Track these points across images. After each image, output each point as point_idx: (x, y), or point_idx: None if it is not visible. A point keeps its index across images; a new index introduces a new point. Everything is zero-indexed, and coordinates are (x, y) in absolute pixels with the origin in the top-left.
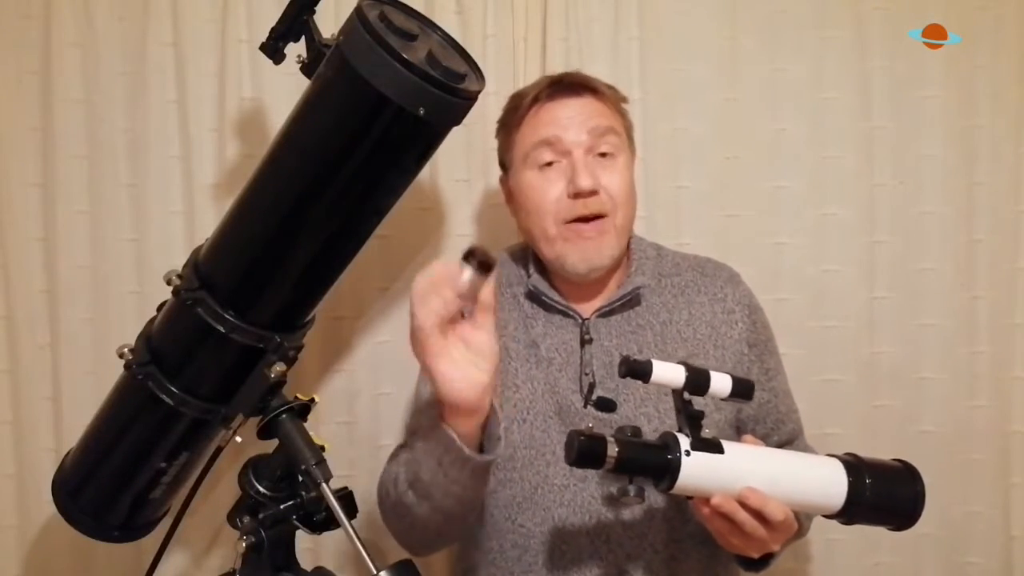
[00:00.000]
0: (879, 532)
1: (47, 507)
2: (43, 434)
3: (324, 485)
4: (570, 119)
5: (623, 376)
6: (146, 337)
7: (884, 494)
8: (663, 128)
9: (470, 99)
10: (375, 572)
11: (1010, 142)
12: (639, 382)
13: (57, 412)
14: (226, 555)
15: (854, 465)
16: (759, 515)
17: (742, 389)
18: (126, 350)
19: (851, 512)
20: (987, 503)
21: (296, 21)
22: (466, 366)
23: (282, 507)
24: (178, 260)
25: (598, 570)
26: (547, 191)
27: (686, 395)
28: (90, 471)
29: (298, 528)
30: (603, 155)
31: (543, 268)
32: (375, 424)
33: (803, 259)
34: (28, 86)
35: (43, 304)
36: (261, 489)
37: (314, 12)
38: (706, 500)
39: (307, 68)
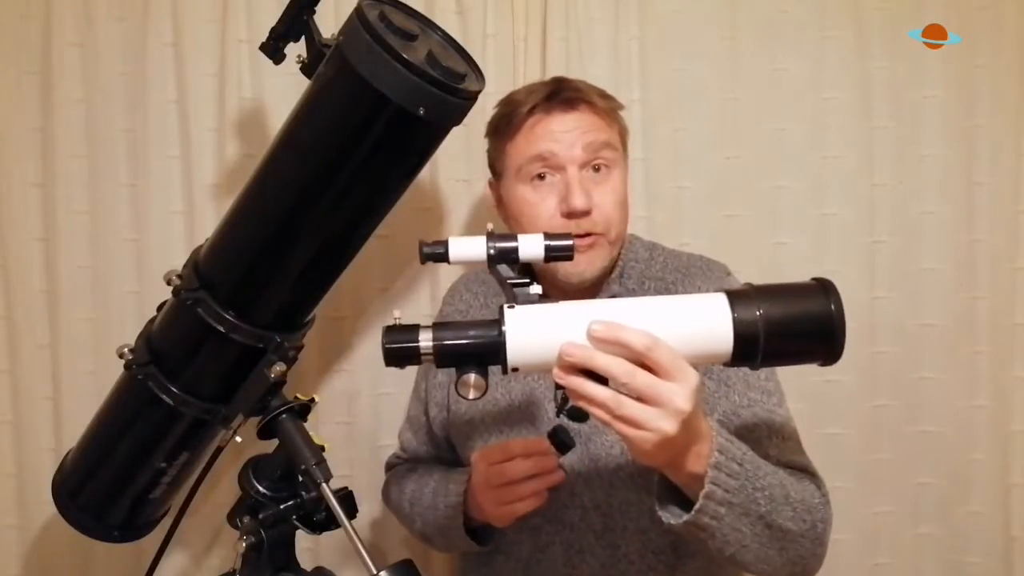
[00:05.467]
0: (878, 533)
1: (47, 507)
2: (43, 434)
3: (324, 485)
4: (565, 133)
5: (423, 262)
6: (146, 337)
7: (783, 322)
8: (663, 128)
9: (470, 99)
10: (375, 572)
11: (1010, 142)
12: None
13: (57, 412)
14: (226, 555)
15: (740, 293)
16: (625, 353)
17: (558, 249)
18: (126, 350)
19: (748, 351)
20: (987, 503)
21: (296, 21)
22: None
23: (282, 507)
24: (178, 260)
25: None
26: (540, 207)
27: (494, 257)
28: (90, 471)
29: (298, 528)
30: (597, 169)
31: (532, 275)
32: (375, 424)
33: (803, 259)
34: (28, 86)
35: (43, 304)
36: (261, 489)
37: (314, 12)
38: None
39: (307, 68)
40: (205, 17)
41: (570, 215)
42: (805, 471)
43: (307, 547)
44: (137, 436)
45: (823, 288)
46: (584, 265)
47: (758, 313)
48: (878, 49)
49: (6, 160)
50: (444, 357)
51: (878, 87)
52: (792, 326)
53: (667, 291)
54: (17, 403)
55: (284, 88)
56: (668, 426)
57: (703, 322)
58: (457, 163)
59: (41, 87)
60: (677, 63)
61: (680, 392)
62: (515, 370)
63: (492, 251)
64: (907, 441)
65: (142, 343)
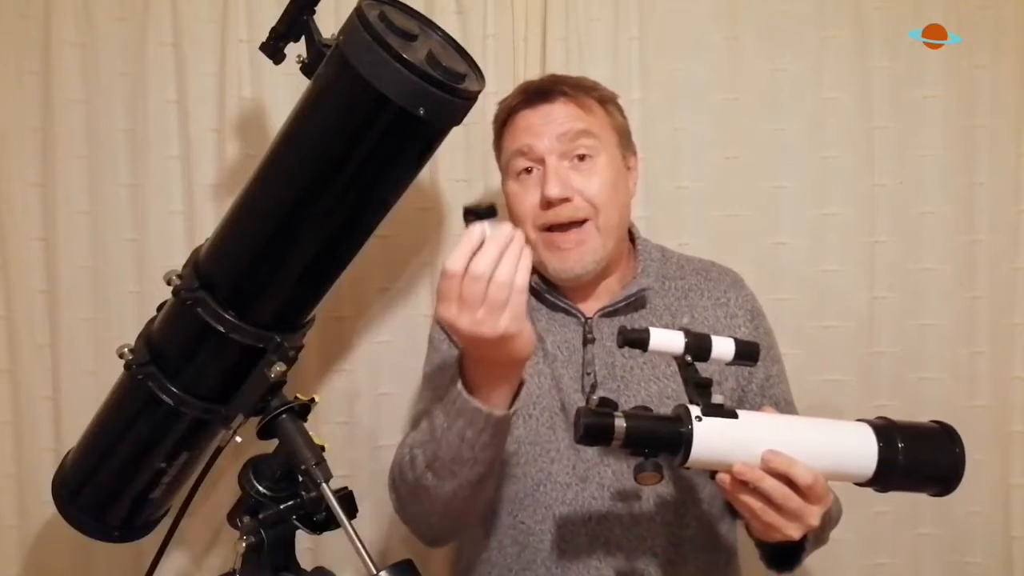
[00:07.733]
0: (878, 532)
1: (47, 507)
2: (43, 434)
3: (324, 485)
4: (541, 125)
5: (621, 346)
6: (146, 337)
7: (919, 458)
8: (663, 128)
9: (470, 99)
10: (375, 572)
11: (1010, 142)
12: (641, 382)
13: (57, 412)
14: (226, 555)
15: (885, 428)
16: (787, 481)
17: (746, 351)
18: (126, 350)
19: (884, 479)
20: (987, 503)
21: (296, 21)
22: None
23: (282, 507)
24: (178, 260)
25: (596, 571)
26: (524, 199)
27: (688, 359)
28: (90, 471)
29: (298, 528)
30: (581, 158)
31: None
32: (375, 424)
33: (803, 259)
34: (28, 86)
35: (43, 304)
36: (261, 489)
37: (314, 12)
38: (728, 473)
39: (307, 68)
40: (205, 17)
41: (548, 205)
42: None
43: (307, 547)
44: (137, 436)
45: (950, 436)
46: (572, 262)
47: (900, 446)
48: (878, 49)
49: (6, 160)
50: (629, 440)
51: (878, 87)
52: (924, 463)
53: (691, 293)
54: (17, 403)
55: (284, 88)
56: (797, 534)
57: (854, 448)
58: (457, 163)
59: (41, 87)
60: (677, 63)
61: (818, 513)
62: (687, 468)
63: (685, 345)
64: None
65: (142, 343)
